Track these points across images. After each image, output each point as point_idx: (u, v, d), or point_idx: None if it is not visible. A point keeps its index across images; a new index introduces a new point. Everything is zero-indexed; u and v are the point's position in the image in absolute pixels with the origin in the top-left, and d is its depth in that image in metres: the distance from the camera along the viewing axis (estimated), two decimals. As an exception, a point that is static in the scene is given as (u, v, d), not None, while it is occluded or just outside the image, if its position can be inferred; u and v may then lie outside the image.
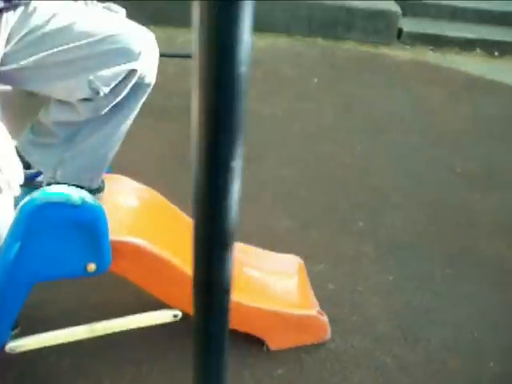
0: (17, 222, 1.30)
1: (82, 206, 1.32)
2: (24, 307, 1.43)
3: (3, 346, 1.50)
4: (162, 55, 1.53)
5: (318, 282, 1.95)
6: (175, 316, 1.61)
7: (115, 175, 1.78)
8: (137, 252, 1.50)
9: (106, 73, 1.37)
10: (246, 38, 0.40)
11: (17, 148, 1.51)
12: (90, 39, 1.36)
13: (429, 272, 2.18)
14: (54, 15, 1.36)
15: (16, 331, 1.54)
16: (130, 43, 1.39)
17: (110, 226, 1.45)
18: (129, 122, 1.55)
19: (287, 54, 4.09)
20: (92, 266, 1.42)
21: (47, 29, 1.34)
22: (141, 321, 1.61)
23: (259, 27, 4.12)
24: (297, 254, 2.01)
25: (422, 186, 2.72)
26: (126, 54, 1.38)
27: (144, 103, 1.55)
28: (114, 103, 1.44)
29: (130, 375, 1.64)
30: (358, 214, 2.46)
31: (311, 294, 1.87)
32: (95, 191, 1.60)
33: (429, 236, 2.39)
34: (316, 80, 3.66)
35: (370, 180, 2.72)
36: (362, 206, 2.53)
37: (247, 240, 1.91)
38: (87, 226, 1.35)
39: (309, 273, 1.95)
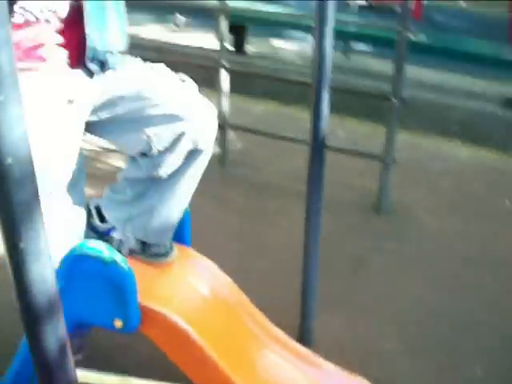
0: (59, 268, 1.50)
1: (111, 265, 1.47)
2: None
3: None
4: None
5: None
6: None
7: (199, 254, 1.87)
8: (168, 326, 1.56)
9: (160, 131, 1.57)
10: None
11: (99, 203, 1.75)
12: (153, 102, 1.57)
13: None
14: (129, 79, 1.60)
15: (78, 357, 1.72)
16: (185, 109, 1.58)
17: (153, 292, 1.57)
18: (189, 189, 1.69)
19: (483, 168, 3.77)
20: (119, 323, 1.53)
21: (124, 92, 1.59)
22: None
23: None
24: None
25: None
26: (179, 118, 1.57)
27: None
28: (172, 167, 1.61)
29: None
30: None
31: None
32: (160, 255, 1.73)
33: None
34: (508, 203, 3.32)
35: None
36: None
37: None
38: (115, 283, 1.49)
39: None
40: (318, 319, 2.15)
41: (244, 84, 4.21)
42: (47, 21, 1.43)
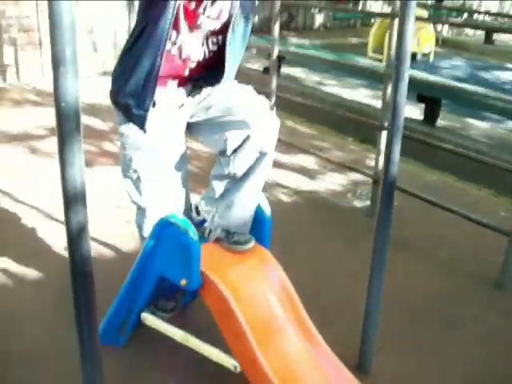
0: (153, 229, 2.03)
1: (184, 234, 1.95)
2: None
3: (139, 318, 2.20)
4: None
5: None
6: (235, 367, 1.97)
7: (270, 255, 2.23)
8: (216, 292, 1.97)
9: (233, 135, 2.04)
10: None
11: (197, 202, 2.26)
12: (233, 111, 2.05)
13: None
14: (220, 92, 2.11)
15: (152, 308, 2.23)
16: (254, 119, 2.02)
17: (217, 267, 2.01)
18: (258, 186, 2.14)
19: None
20: (184, 282, 1.99)
21: (212, 101, 2.11)
22: (211, 353, 2.04)
23: None
24: None
25: None
26: (248, 126, 2.01)
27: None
28: (244, 166, 2.07)
29: None
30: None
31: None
32: (239, 243, 2.16)
33: None
34: None
35: None
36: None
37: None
38: (184, 249, 1.96)
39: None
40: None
41: (424, 152, 4.47)
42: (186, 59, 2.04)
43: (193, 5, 1.90)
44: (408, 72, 1.92)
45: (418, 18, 7.37)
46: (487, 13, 9.51)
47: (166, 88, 2.03)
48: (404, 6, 1.85)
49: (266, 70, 6.76)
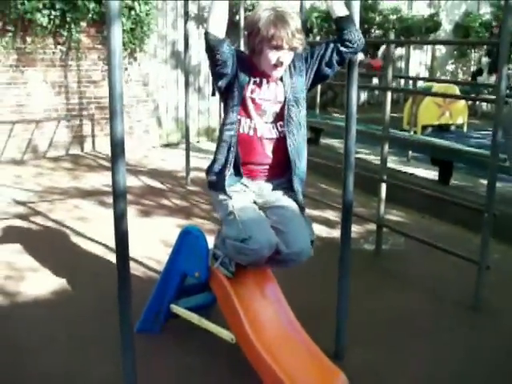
0: (178, 238, 2.84)
1: (198, 238, 2.74)
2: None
3: (168, 308, 2.98)
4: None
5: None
6: (232, 339, 2.69)
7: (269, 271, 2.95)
8: (219, 281, 2.72)
9: (279, 240, 2.58)
10: None
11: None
12: (282, 221, 2.62)
13: None
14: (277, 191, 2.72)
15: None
16: (294, 241, 2.59)
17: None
18: None
19: None
20: (197, 274, 2.77)
21: (272, 198, 2.70)
22: (215, 329, 2.77)
23: None
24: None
25: None
26: (289, 245, 2.59)
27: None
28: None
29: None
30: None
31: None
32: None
33: None
34: None
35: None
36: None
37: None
38: (198, 250, 2.75)
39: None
40: None
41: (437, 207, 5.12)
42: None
43: (255, 93, 2.56)
44: (355, 127, 2.71)
45: (446, 95, 8.14)
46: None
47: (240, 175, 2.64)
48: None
49: (308, 141, 7.63)
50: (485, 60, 11.21)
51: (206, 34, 2.42)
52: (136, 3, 7.55)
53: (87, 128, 7.88)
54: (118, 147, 2.06)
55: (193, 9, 8.47)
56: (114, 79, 2.02)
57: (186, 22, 6.17)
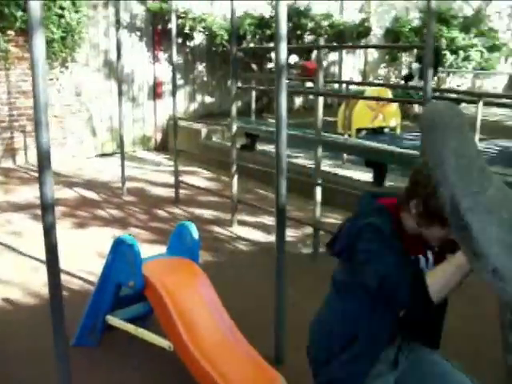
0: (111, 248, 2.80)
1: (130, 247, 2.71)
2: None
3: (104, 320, 2.93)
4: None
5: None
6: (169, 347, 2.67)
7: (203, 273, 2.96)
8: (153, 289, 2.71)
9: None
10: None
11: None
12: None
13: None
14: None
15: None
16: None
17: (158, 273, 2.75)
18: None
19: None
20: (132, 284, 2.74)
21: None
22: (149, 336, 2.75)
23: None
24: None
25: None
26: None
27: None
28: None
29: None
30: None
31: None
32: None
33: None
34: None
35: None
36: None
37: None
38: (131, 258, 2.72)
39: None
40: None
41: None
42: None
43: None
44: (285, 132, 2.75)
45: (376, 98, 8.37)
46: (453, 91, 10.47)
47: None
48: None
49: (243, 147, 7.71)
50: (415, 65, 11.58)
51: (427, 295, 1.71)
52: (66, 11, 7.40)
53: (19, 140, 7.65)
54: (44, 159, 2.02)
55: (125, 17, 8.39)
56: (38, 89, 1.99)
57: (117, 30, 6.12)
